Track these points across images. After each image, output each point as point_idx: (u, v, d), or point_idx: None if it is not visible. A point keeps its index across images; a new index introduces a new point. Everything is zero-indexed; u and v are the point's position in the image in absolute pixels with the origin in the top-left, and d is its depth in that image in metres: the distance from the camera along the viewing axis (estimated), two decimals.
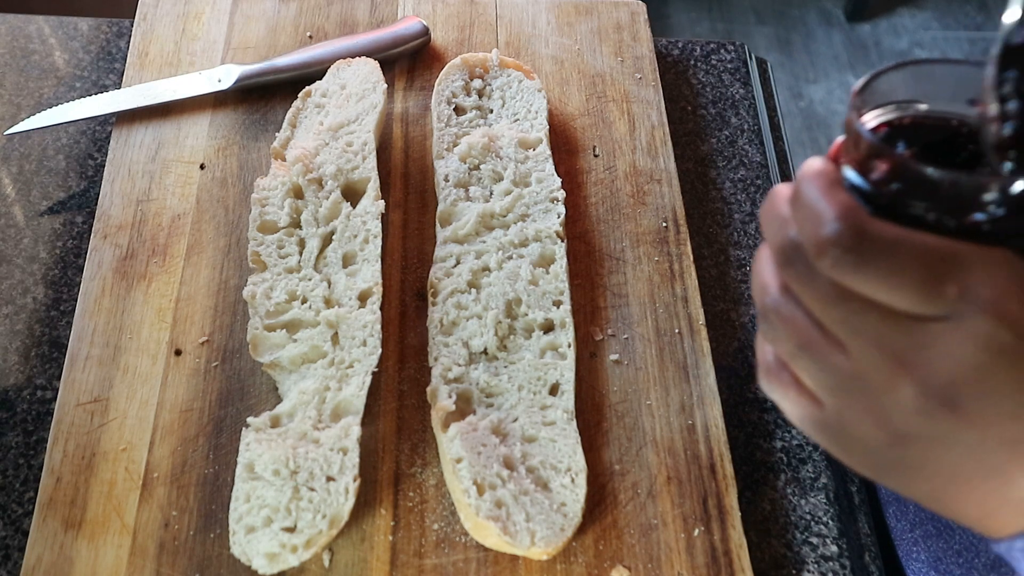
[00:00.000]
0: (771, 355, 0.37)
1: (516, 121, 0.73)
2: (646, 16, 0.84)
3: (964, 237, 0.32)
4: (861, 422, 0.33)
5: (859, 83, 0.36)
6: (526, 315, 0.63)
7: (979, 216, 0.32)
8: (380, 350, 0.60)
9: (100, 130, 0.78)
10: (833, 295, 0.33)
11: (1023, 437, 0.31)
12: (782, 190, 0.36)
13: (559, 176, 0.70)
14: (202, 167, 0.72)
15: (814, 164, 0.34)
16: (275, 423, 0.58)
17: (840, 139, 0.36)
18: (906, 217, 0.33)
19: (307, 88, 0.74)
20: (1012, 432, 0.31)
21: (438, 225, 0.68)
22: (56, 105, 0.76)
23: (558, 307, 0.64)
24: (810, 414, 0.35)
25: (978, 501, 0.34)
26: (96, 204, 0.70)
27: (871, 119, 0.36)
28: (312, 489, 0.55)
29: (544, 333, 0.63)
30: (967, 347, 0.31)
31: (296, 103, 0.73)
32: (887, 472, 0.35)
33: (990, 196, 0.32)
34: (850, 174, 0.34)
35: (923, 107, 0.36)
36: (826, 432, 0.35)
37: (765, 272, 0.36)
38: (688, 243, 0.69)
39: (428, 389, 0.60)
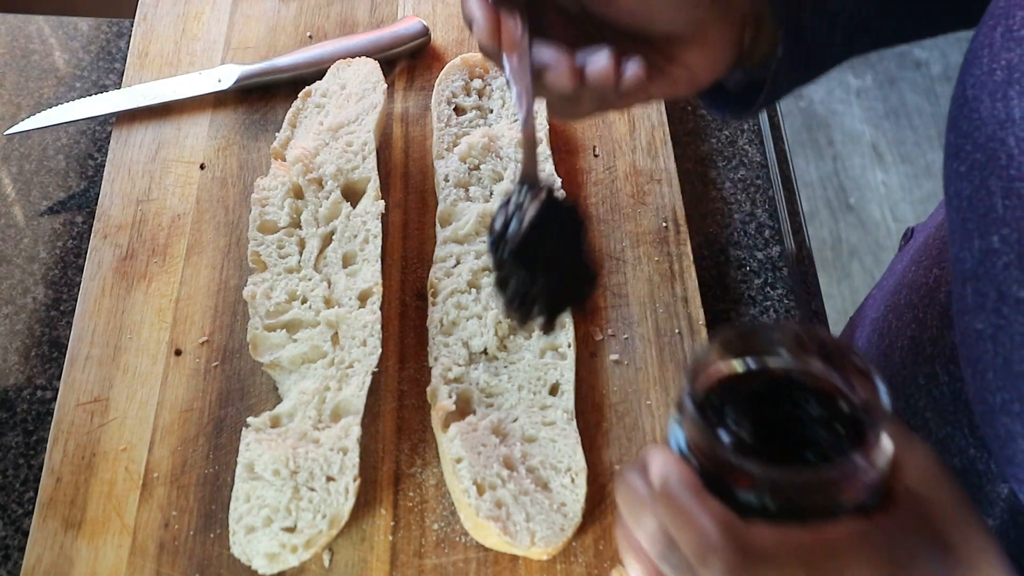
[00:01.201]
0: None
1: (516, 121, 0.73)
2: None
3: (823, 513, 0.36)
4: None
5: (689, 367, 0.40)
6: None
7: (813, 497, 0.36)
8: (380, 350, 0.60)
9: (100, 130, 0.78)
10: None
11: None
12: (638, 478, 0.39)
13: (559, 176, 0.70)
14: (202, 167, 0.72)
15: (670, 459, 0.38)
16: (275, 423, 0.58)
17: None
18: (764, 507, 0.36)
19: (307, 88, 0.74)
20: None
21: (438, 225, 0.68)
22: (56, 105, 0.76)
23: None
24: None
25: None
26: (96, 204, 0.70)
27: (710, 384, 0.39)
28: (312, 489, 0.55)
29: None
30: None
31: (296, 103, 0.73)
32: None
33: (815, 486, 0.36)
34: (684, 448, 0.38)
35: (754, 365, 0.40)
36: None
37: (640, 559, 0.39)
38: (688, 243, 0.69)
39: (428, 389, 0.60)
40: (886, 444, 0.37)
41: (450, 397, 0.59)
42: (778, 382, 0.39)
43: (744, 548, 0.35)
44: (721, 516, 0.36)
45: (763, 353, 0.39)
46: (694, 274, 0.67)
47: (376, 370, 0.59)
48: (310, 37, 0.80)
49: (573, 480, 0.57)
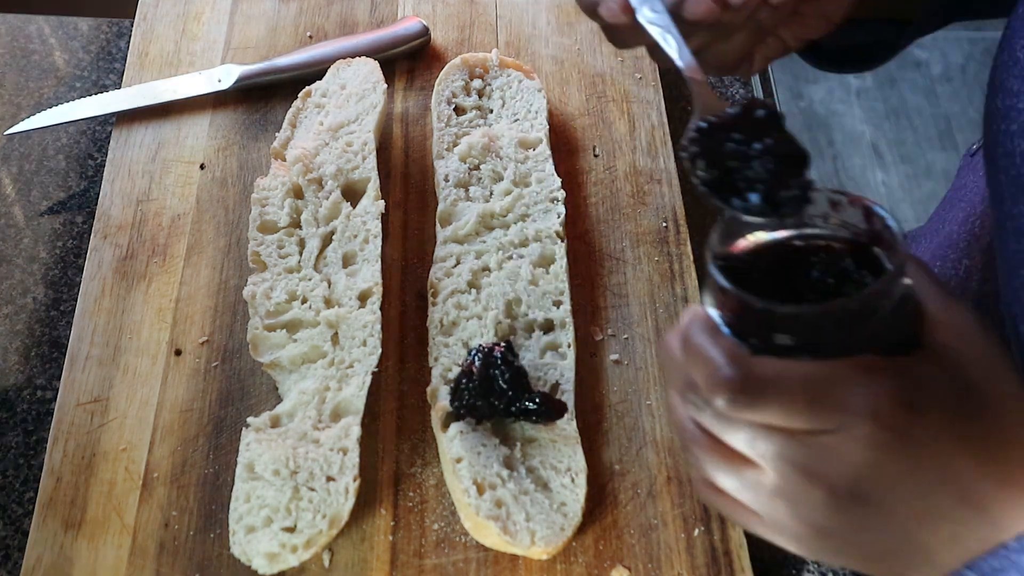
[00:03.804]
0: (700, 476, 0.42)
1: (516, 121, 0.73)
2: None
3: (832, 351, 0.36)
4: (789, 522, 0.39)
5: (716, 227, 0.40)
6: (526, 315, 0.63)
7: (834, 336, 0.37)
8: (380, 350, 0.60)
9: (100, 130, 0.78)
10: (734, 425, 0.38)
11: (924, 510, 0.37)
12: (673, 336, 0.40)
13: (559, 176, 0.70)
14: (202, 167, 0.72)
15: (698, 312, 0.39)
16: (275, 423, 0.58)
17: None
18: (779, 346, 0.37)
19: (307, 88, 0.74)
20: (915, 508, 0.37)
21: (438, 225, 0.68)
22: (56, 105, 0.76)
23: (558, 307, 0.64)
24: (748, 520, 0.41)
25: (901, 566, 0.39)
26: (96, 204, 0.70)
27: (738, 248, 0.40)
28: (312, 489, 0.55)
29: (544, 333, 0.63)
30: (858, 451, 0.36)
31: (296, 103, 0.73)
32: (821, 555, 0.40)
33: (833, 320, 0.36)
34: (715, 315, 0.39)
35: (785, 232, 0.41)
36: (765, 532, 0.41)
37: (677, 408, 0.41)
38: (688, 243, 0.69)
39: (428, 389, 0.60)
40: (900, 278, 0.37)
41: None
42: (799, 241, 0.40)
43: (748, 376, 0.36)
44: (729, 350, 0.37)
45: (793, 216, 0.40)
46: (694, 274, 0.67)
47: (376, 370, 0.59)
48: (310, 37, 0.80)
49: (573, 480, 0.57)
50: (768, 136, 0.43)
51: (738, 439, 0.38)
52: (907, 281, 0.37)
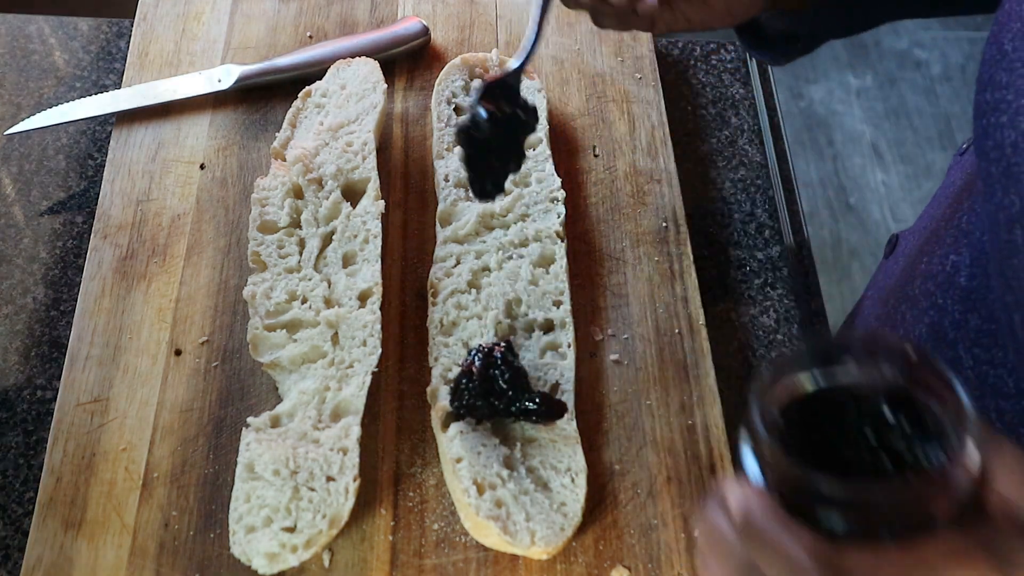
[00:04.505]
0: None
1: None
2: None
3: (912, 529, 0.34)
4: None
5: (753, 405, 0.37)
6: (526, 315, 0.63)
7: (914, 515, 0.34)
8: (380, 350, 0.60)
9: (100, 130, 0.78)
10: None
11: None
12: (718, 511, 0.37)
13: (559, 176, 0.70)
14: (202, 167, 0.72)
15: (753, 492, 0.36)
16: (275, 423, 0.58)
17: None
18: (850, 529, 0.35)
19: (307, 88, 0.74)
20: None
21: (438, 225, 0.68)
22: (56, 105, 0.76)
23: (558, 307, 0.64)
24: None
25: None
26: (96, 204, 0.70)
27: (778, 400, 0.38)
28: (312, 489, 0.55)
29: (544, 333, 0.63)
30: None
31: (296, 103, 0.73)
32: None
33: (904, 498, 0.34)
34: (755, 470, 0.36)
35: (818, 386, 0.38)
36: None
37: None
38: (688, 243, 0.69)
39: (428, 389, 0.60)
40: (974, 450, 0.34)
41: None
42: (850, 396, 0.38)
43: (838, 573, 0.33)
44: (810, 544, 0.34)
45: (831, 366, 0.38)
46: (694, 274, 0.67)
47: (376, 370, 0.59)
48: (310, 37, 0.80)
49: (573, 480, 0.57)
50: (522, 126, 0.57)
51: None
52: (977, 454, 0.35)
